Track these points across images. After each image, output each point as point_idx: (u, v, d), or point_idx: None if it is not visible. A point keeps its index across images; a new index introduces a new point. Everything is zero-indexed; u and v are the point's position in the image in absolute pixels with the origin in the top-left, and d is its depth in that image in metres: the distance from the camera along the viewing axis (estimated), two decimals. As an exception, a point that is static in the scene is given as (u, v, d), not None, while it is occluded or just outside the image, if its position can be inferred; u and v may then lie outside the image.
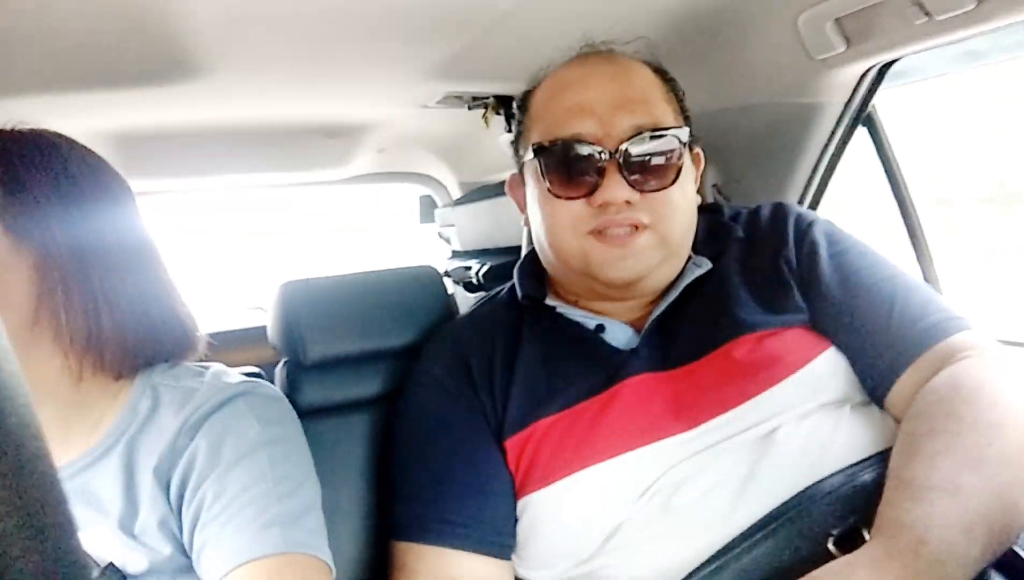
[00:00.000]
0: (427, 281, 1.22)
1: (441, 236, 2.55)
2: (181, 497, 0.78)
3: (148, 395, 0.84)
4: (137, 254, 0.85)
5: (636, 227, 0.94)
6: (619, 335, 0.99)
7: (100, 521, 0.77)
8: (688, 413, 0.89)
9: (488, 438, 0.95)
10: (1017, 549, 0.73)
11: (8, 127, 0.82)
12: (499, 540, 0.91)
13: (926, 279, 1.35)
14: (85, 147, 0.85)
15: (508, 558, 0.92)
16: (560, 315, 1.02)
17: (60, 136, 0.84)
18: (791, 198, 1.43)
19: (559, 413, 0.93)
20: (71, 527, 0.27)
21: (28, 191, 0.77)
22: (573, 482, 0.88)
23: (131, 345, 0.82)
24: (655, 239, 0.95)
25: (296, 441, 0.86)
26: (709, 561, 0.80)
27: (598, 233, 0.94)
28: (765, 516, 0.80)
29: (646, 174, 0.94)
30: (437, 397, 0.99)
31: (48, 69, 1.16)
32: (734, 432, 0.87)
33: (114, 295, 0.80)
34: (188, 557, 0.77)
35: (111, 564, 0.76)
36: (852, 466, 0.84)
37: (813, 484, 0.82)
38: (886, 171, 1.38)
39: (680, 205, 0.97)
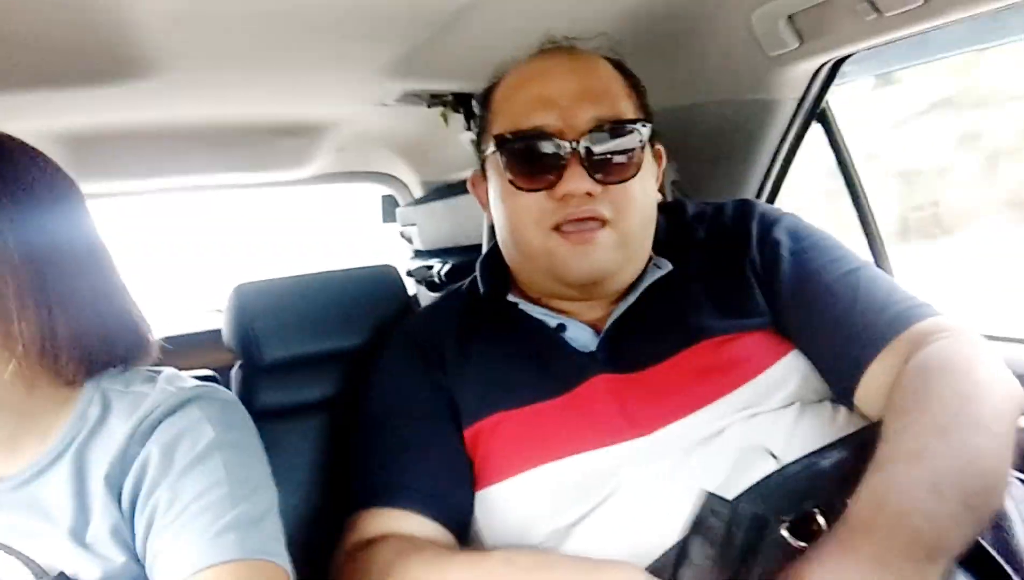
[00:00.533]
0: (385, 280, 1.21)
1: (403, 235, 2.54)
2: (133, 504, 0.76)
3: (97, 401, 0.82)
4: (89, 258, 0.83)
5: (598, 222, 0.94)
6: (579, 335, 0.99)
7: (50, 531, 0.75)
8: (643, 418, 0.89)
9: (449, 419, 0.96)
10: (816, 512, 0.74)
11: None
12: (453, 515, 0.92)
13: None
14: (35, 149, 0.83)
15: (456, 534, 0.93)
16: (521, 312, 1.02)
17: (10, 138, 0.82)
18: (748, 195, 1.45)
19: (517, 409, 0.93)
20: None
21: None
22: (526, 479, 0.89)
23: (86, 350, 0.79)
24: (616, 237, 0.95)
25: (251, 445, 0.84)
26: (665, 554, 0.79)
27: (560, 231, 0.94)
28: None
29: (607, 166, 0.94)
30: (399, 377, 1.00)
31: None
32: (687, 437, 0.87)
33: (68, 300, 0.78)
34: (142, 565, 0.75)
35: (61, 573, 0.74)
36: (809, 454, 0.84)
37: (770, 474, 0.82)
38: (840, 167, 1.40)
39: (640, 199, 0.97)
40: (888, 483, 0.69)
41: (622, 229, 0.95)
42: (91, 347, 0.80)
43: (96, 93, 1.32)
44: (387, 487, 0.93)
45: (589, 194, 0.93)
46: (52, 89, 1.27)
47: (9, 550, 0.74)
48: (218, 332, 1.20)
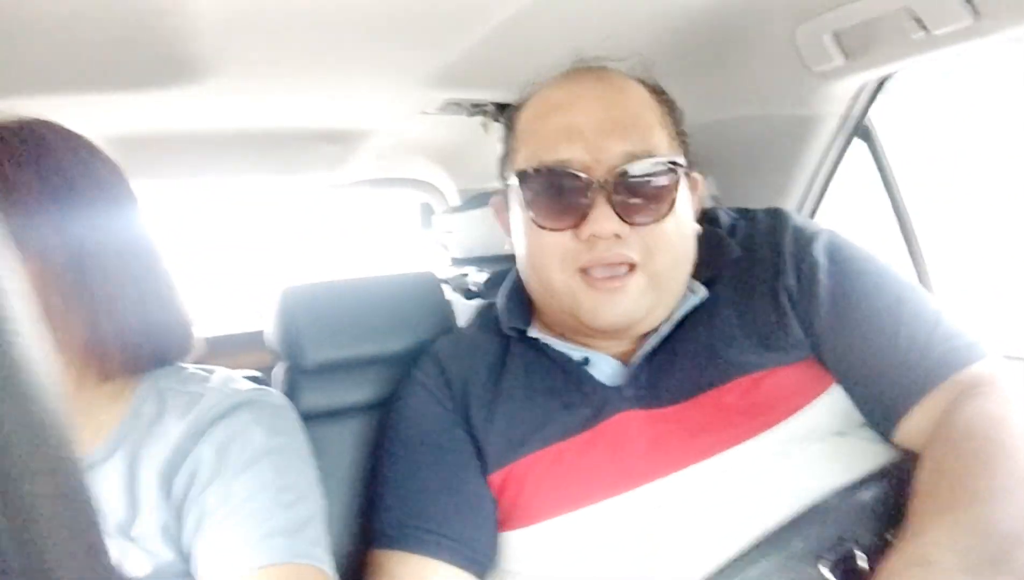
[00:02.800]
0: (425, 287, 1.22)
1: (440, 243, 2.55)
2: (184, 503, 0.77)
3: (153, 399, 0.83)
4: (137, 254, 0.82)
5: (626, 266, 0.89)
6: (605, 369, 0.95)
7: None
8: (673, 457, 0.84)
9: (474, 458, 0.93)
10: (855, 548, 0.73)
11: None
12: (478, 558, 0.89)
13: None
14: (80, 138, 0.82)
15: (483, 577, 0.90)
16: (546, 346, 0.98)
17: (48, 126, 0.80)
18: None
19: (540, 450, 0.90)
20: (101, 529, 0.27)
21: (16, 191, 0.73)
22: (553, 526, 0.86)
23: (132, 350, 0.80)
24: (646, 280, 0.89)
25: (301, 451, 0.85)
26: None
27: (586, 273, 0.89)
28: (758, 540, 0.78)
29: (638, 205, 0.87)
30: (427, 409, 0.97)
31: (47, 71, 1.16)
32: (717, 475, 0.83)
33: (114, 299, 0.78)
34: (188, 563, 0.77)
35: None
36: (847, 487, 0.81)
37: (806, 507, 0.79)
38: (884, 184, 1.39)
39: (674, 239, 0.90)
40: (882, 572, 0.68)
41: (652, 271, 0.89)
42: (138, 345, 0.81)
43: (146, 97, 1.35)
44: (413, 529, 0.89)
45: (617, 236, 0.87)
46: (104, 93, 1.30)
47: None
48: (258, 334, 1.22)
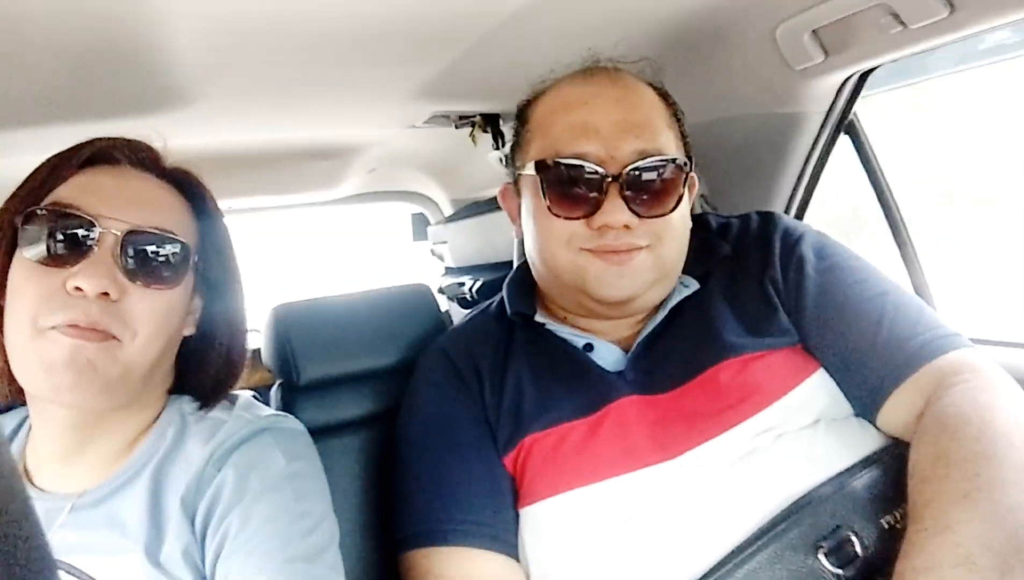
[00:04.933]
0: (419, 299, 1.23)
1: (434, 253, 2.56)
2: (206, 527, 0.78)
3: (176, 423, 0.85)
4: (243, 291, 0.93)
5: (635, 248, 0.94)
6: (607, 355, 0.99)
7: (128, 548, 0.77)
8: (671, 442, 0.88)
9: (491, 443, 0.96)
10: (851, 535, 0.75)
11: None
12: (512, 541, 0.91)
13: (915, 287, 1.36)
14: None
15: (516, 559, 0.92)
16: (549, 332, 1.02)
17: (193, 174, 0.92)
18: (777, 207, 1.45)
19: (545, 430, 0.93)
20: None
21: (213, 228, 0.89)
22: (557, 503, 0.89)
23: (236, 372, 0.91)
24: (652, 260, 0.95)
25: (317, 476, 0.87)
26: None
27: (592, 250, 0.94)
28: (755, 531, 0.80)
29: (647, 200, 0.93)
30: (440, 406, 1.00)
31: (38, 102, 1.17)
32: (716, 459, 0.86)
33: (242, 324, 0.92)
34: None
35: None
36: (839, 474, 0.84)
37: (801, 496, 0.82)
38: (870, 178, 1.39)
39: (679, 229, 0.97)
40: (918, 567, 0.68)
41: (658, 254, 0.95)
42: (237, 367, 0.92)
43: (136, 124, 1.35)
44: (448, 523, 0.91)
45: (627, 226, 0.92)
46: (94, 121, 1.31)
47: (72, 570, 0.75)
48: (256, 352, 1.23)
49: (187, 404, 0.87)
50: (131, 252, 0.77)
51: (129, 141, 0.86)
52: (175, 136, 1.49)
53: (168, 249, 0.80)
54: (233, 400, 0.90)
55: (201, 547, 0.78)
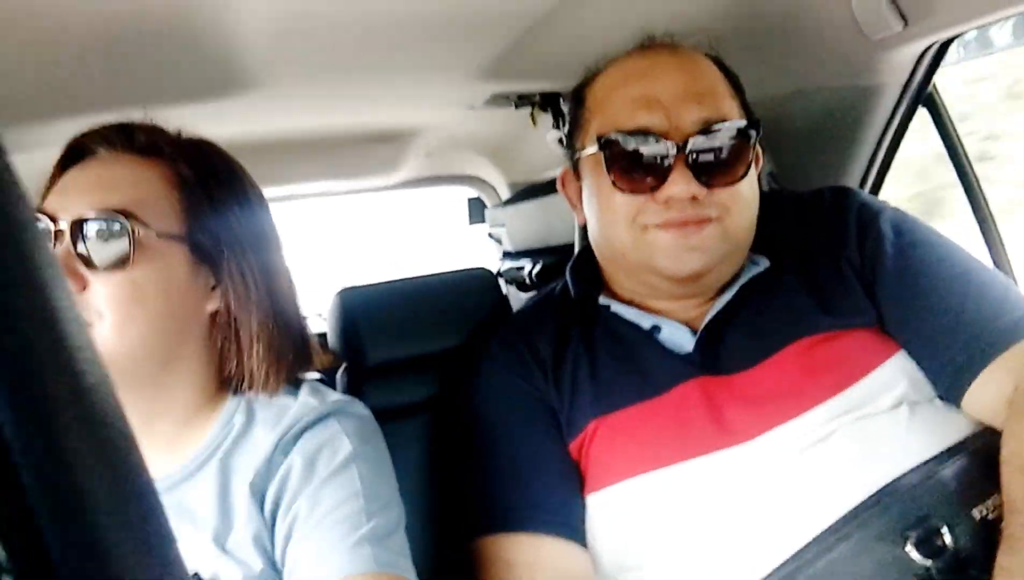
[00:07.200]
0: (481, 283, 1.22)
1: (492, 237, 2.55)
2: (275, 512, 0.79)
3: (243, 409, 0.85)
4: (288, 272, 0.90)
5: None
6: (674, 336, 0.96)
7: (194, 535, 0.78)
8: (742, 425, 0.86)
9: (558, 427, 0.94)
10: (941, 525, 0.73)
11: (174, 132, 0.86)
12: (581, 528, 0.90)
13: (996, 264, 1.30)
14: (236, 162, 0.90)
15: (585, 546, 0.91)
16: (614, 314, 1.00)
17: (211, 144, 0.89)
18: (851, 184, 1.39)
19: (610, 414, 0.91)
20: (172, 539, 0.27)
21: (222, 211, 0.83)
22: (625, 488, 0.87)
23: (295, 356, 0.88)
24: (720, 232, 0.91)
25: (384, 459, 0.87)
26: (777, 570, 0.77)
27: (660, 226, 0.92)
28: (838, 520, 0.77)
29: (714, 169, 0.90)
30: (509, 387, 0.98)
31: (104, 87, 1.18)
32: (790, 444, 0.83)
33: (293, 306, 0.88)
34: (278, 572, 0.78)
35: (196, 575, 0.77)
36: (927, 462, 0.80)
37: (887, 484, 0.78)
38: (949, 153, 1.33)
39: (748, 199, 0.94)
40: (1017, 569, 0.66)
41: (727, 225, 0.92)
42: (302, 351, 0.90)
43: (200, 109, 1.37)
44: (520, 510, 0.90)
45: (694, 198, 0.89)
46: (156, 107, 1.32)
47: None
48: (320, 336, 1.24)
49: (252, 391, 0.87)
50: (81, 241, 0.77)
51: (107, 127, 0.85)
52: (241, 121, 1.52)
53: (114, 228, 0.77)
54: (299, 384, 0.89)
55: (271, 532, 0.79)
